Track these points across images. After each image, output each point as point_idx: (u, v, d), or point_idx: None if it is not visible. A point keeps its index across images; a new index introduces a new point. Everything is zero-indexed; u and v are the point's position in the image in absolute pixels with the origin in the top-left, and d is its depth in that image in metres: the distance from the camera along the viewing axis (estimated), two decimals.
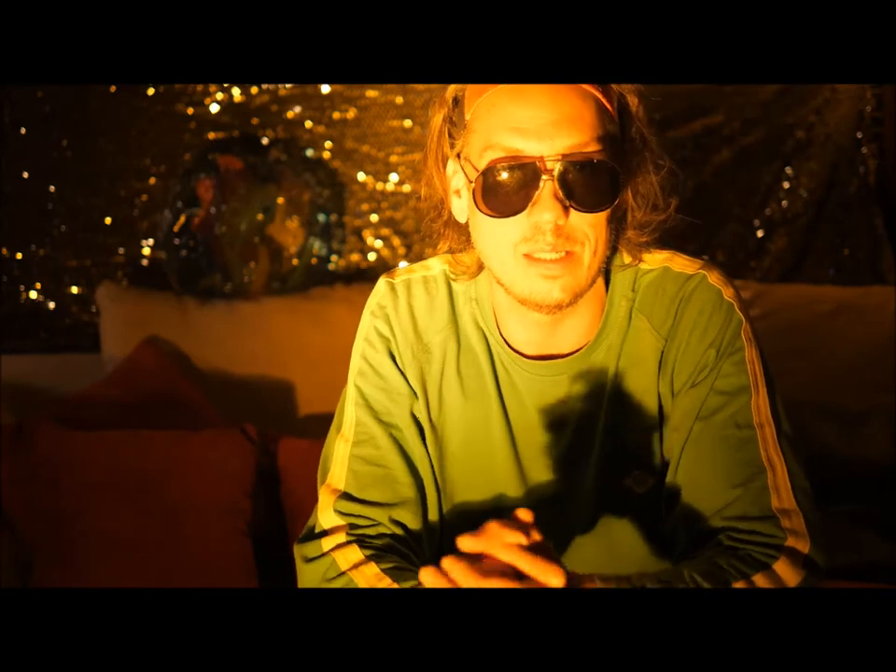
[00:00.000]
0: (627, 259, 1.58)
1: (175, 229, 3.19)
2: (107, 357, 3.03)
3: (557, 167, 1.43)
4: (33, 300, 3.22)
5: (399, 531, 1.56)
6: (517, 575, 1.28)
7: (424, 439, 1.61)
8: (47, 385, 3.04)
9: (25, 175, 3.17)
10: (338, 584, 1.53)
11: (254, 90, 3.25)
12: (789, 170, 3.41)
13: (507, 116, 1.45)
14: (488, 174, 1.46)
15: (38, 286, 3.22)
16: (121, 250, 3.25)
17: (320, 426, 1.93)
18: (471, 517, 1.61)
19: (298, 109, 3.27)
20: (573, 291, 1.48)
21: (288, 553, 1.62)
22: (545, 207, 1.44)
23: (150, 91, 3.21)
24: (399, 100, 3.29)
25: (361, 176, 3.31)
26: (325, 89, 3.28)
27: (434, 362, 1.61)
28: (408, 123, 3.29)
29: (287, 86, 3.25)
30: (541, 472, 1.59)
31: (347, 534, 1.55)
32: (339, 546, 1.55)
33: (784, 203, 3.42)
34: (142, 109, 3.21)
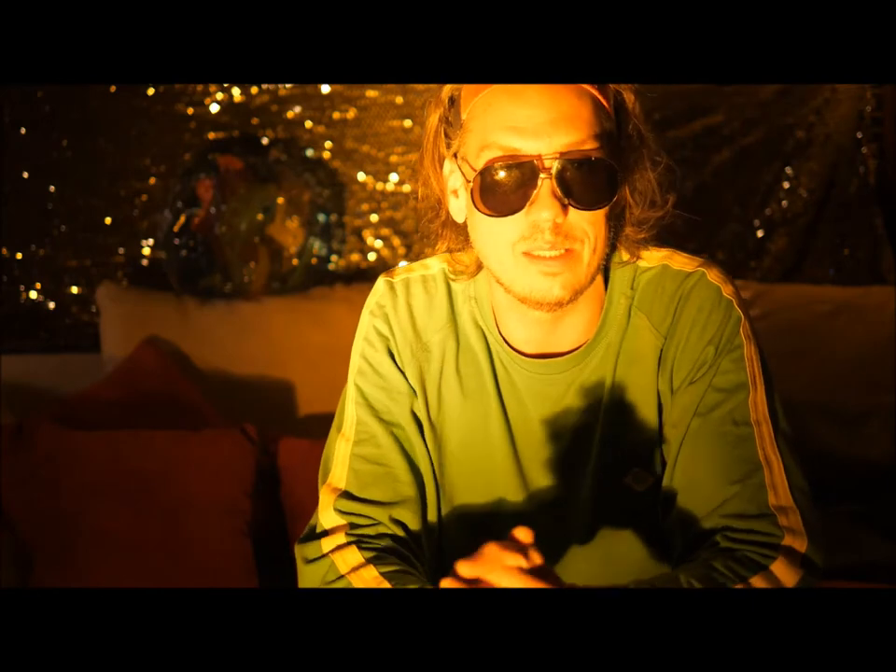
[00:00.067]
0: (626, 255, 1.58)
1: (175, 229, 3.19)
2: (107, 357, 3.03)
3: (555, 165, 1.43)
4: (33, 300, 3.22)
5: (399, 531, 1.56)
6: None
7: (424, 437, 1.61)
8: (47, 384, 3.04)
9: (25, 175, 3.17)
10: (337, 587, 1.52)
11: (254, 90, 3.25)
12: (789, 170, 3.41)
13: (504, 115, 1.45)
14: (486, 173, 1.46)
15: (38, 286, 3.22)
16: (121, 250, 3.25)
17: (320, 426, 1.93)
18: (470, 516, 1.61)
19: (298, 109, 3.27)
20: (573, 288, 1.48)
21: (288, 553, 1.62)
22: (543, 206, 1.44)
23: (150, 91, 3.21)
24: (399, 100, 3.29)
25: (361, 176, 3.31)
26: (325, 89, 3.28)
27: (433, 361, 1.61)
28: (408, 123, 3.29)
29: (287, 86, 3.25)
30: (541, 471, 1.59)
31: (347, 534, 1.55)
32: (338, 548, 1.54)
33: (784, 203, 3.42)
34: (142, 109, 3.21)
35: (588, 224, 1.47)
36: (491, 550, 1.29)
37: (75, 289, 3.24)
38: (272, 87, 3.25)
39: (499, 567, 1.28)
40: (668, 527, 1.55)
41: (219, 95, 3.24)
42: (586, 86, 1.46)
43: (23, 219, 3.18)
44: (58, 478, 2.58)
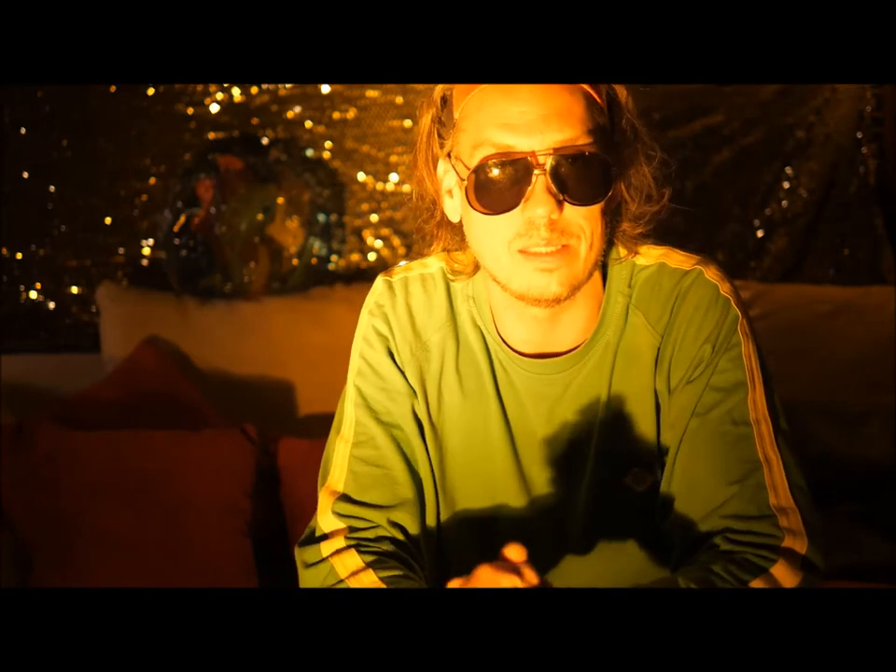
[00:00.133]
0: (623, 252, 1.57)
1: (175, 229, 3.19)
2: (107, 357, 3.03)
3: (549, 161, 1.43)
4: (33, 300, 3.22)
5: (397, 534, 1.56)
6: None
7: (423, 438, 1.61)
8: (47, 385, 3.04)
9: (25, 175, 3.17)
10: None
11: (254, 90, 3.25)
12: (789, 170, 3.41)
13: (496, 112, 1.45)
14: (480, 171, 1.46)
15: (38, 286, 3.22)
16: (121, 250, 3.25)
17: (320, 426, 1.93)
18: (470, 517, 1.61)
19: (298, 109, 3.27)
20: (570, 284, 1.48)
21: (288, 553, 1.62)
22: (538, 202, 1.44)
23: (150, 91, 3.21)
24: (399, 100, 3.29)
25: (361, 176, 3.31)
26: (325, 89, 3.28)
27: (433, 361, 1.61)
28: (408, 123, 3.29)
29: (287, 86, 3.25)
30: (540, 472, 1.58)
31: (346, 538, 1.55)
32: (338, 552, 1.54)
33: (784, 202, 3.42)
34: (142, 109, 3.21)
35: (583, 220, 1.46)
36: (484, 571, 1.28)
37: (75, 289, 3.24)
38: (272, 87, 3.25)
39: (494, 589, 1.27)
40: (667, 528, 1.54)
41: (219, 95, 3.24)
42: None
43: (23, 219, 3.18)
44: (58, 478, 2.58)
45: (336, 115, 3.28)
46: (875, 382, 3.05)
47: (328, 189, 3.28)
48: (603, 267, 1.57)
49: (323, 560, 1.54)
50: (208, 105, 3.23)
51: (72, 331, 3.23)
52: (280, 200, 3.20)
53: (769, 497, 1.48)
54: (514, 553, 1.29)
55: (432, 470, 1.61)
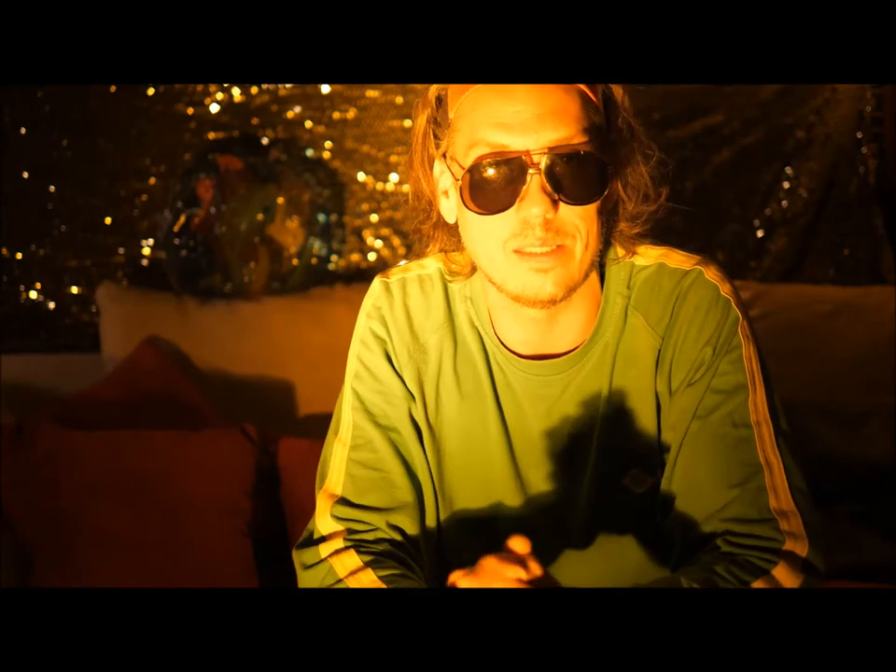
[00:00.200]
0: (621, 252, 1.56)
1: (175, 229, 3.19)
2: (107, 357, 3.03)
3: (544, 161, 1.42)
4: (33, 300, 3.22)
5: (396, 536, 1.56)
6: None
7: (422, 441, 1.60)
8: (47, 385, 3.04)
9: (25, 175, 3.17)
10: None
11: (254, 90, 3.25)
12: (789, 170, 3.41)
13: (491, 112, 1.44)
14: (474, 171, 1.45)
15: (38, 286, 3.22)
16: (121, 250, 3.25)
17: (320, 426, 1.93)
18: (469, 519, 1.60)
19: (298, 109, 3.27)
20: (566, 285, 1.47)
21: (288, 554, 1.62)
22: (533, 201, 1.43)
23: (150, 91, 3.21)
24: (399, 100, 3.29)
25: (361, 176, 3.31)
26: (325, 89, 3.28)
27: (431, 362, 1.60)
28: (408, 123, 3.28)
29: (287, 86, 3.25)
30: (539, 474, 1.58)
31: (345, 539, 1.54)
32: (336, 552, 1.54)
33: (784, 202, 3.42)
34: (142, 109, 3.21)
35: (579, 219, 1.45)
36: (489, 562, 1.28)
37: (75, 289, 3.24)
38: (272, 87, 3.25)
39: (499, 580, 1.26)
40: (668, 527, 1.54)
41: (219, 95, 3.24)
42: None
43: (23, 219, 3.18)
44: (58, 478, 2.58)
45: (336, 115, 3.28)
46: (875, 382, 3.05)
47: (328, 188, 3.28)
48: (601, 267, 1.56)
49: (322, 561, 1.54)
50: (208, 105, 3.23)
51: (72, 331, 3.23)
52: (280, 200, 3.20)
53: (770, 500, 1.47)
54: (519, 544, 1.29)
55: (430, 473, 1.60)
